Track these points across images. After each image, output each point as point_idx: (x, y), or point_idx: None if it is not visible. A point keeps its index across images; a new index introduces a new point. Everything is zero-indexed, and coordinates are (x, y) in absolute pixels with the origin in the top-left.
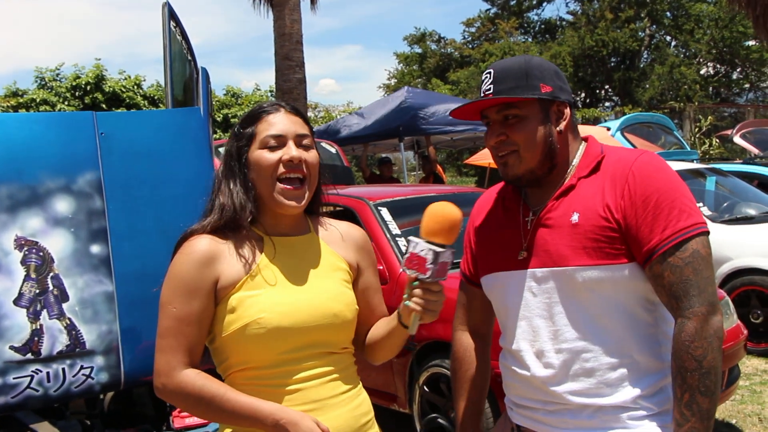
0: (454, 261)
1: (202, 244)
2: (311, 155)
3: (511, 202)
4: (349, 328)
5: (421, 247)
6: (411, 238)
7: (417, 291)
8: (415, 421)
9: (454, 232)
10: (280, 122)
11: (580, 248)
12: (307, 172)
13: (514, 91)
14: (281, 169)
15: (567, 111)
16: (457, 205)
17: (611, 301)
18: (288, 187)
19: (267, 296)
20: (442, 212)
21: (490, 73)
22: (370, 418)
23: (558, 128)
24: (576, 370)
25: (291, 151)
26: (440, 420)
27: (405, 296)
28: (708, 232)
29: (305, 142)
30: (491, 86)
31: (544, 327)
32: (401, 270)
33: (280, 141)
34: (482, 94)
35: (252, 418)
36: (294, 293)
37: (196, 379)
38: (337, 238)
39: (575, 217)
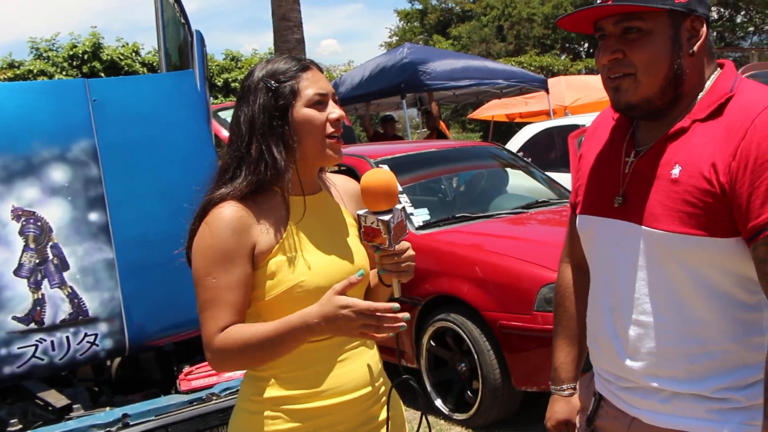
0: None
1: (232, 210)
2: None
3: (619, 132)
4: (366, 283)
5: (370, 220)
6: (359, 212)
7: (385, 260)
8: (423, 376)
9: (390, 194)
10: (321, 79)
11: (675, 210)
12: (342, 128)
13: None
14: (330, 129)
15: (703, 29)
16: (465, 158)
17: (702, 278)
18: (335, 141)
19: (304, 258)
20: (373, 183)
21: None
22: (381, 366)
23: (690, 50)
24: (651, 348)
25: (336, 110)
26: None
27: (377, 265)
28: None
29: (336, 98)
30: None
31: (625, 291)
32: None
33: (324, 99)
34: (599, 1)
35: (288, 336)
36: (324, 253)
37: (228, 335)
38: (340, 194)
39: (676, 171)
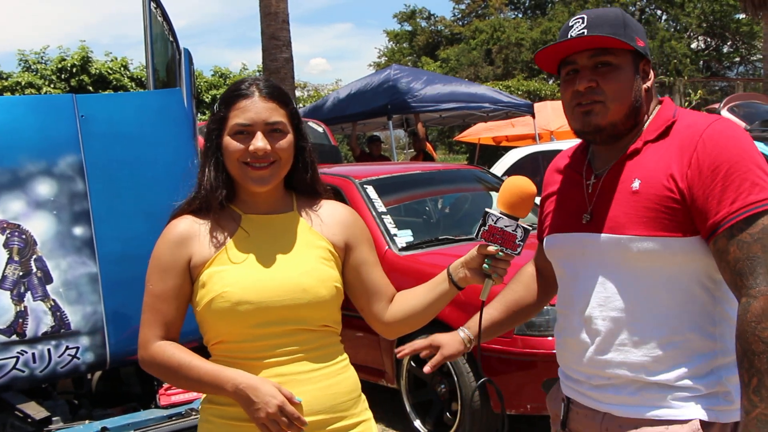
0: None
1: (179, 225)
2: (283, 141)
3: (577, 164)
4: (326, 306)
5: (505, 222)
6: (489, 210)
7: (501, 264)
8: (402, 396)
9: (530, 206)
10: (252, 110)
11: (638, 217)
12: (277, 157)
13: (614, 36)
14: (248, 158)
15: (651, 72)
16: (449, 181)
17: (665, 275)
18: (254, 168)
19: (232, 271)
20: (529, 189)
21: (581, 18)
22: (353, 397)
23: (645, 85)
24: (622, 339)
25: (257, 142)
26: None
27: (485, 266)
28: None
29: (277, 128)
30: (584, 30)
31: (595, 292)
32: (479, 240)
33: (249, 130)
34: (574, 34)
35: (214, 384)
36: (260, 269)
37: (166, 349)
38: (321, 217)
39: (636, 184)
